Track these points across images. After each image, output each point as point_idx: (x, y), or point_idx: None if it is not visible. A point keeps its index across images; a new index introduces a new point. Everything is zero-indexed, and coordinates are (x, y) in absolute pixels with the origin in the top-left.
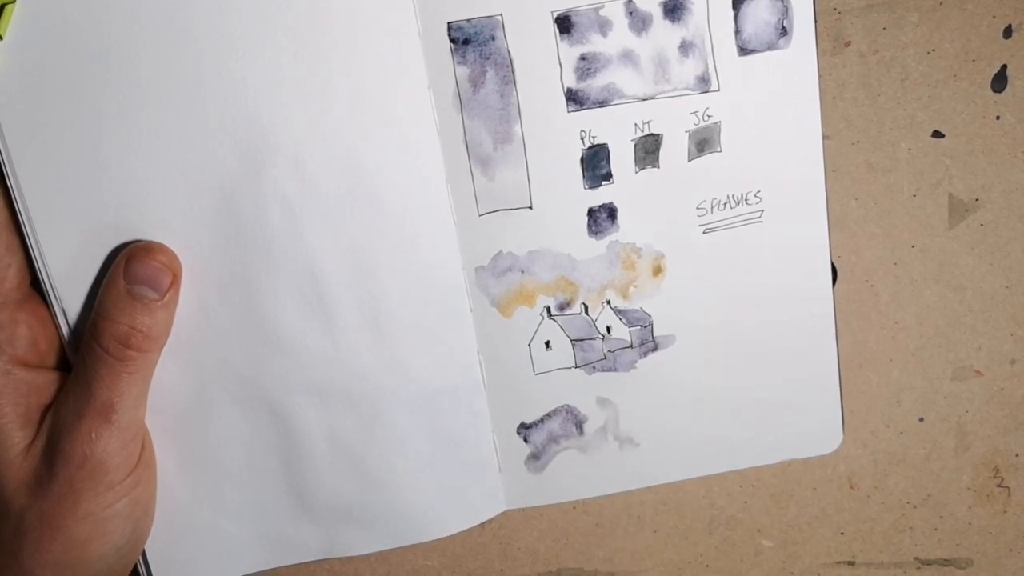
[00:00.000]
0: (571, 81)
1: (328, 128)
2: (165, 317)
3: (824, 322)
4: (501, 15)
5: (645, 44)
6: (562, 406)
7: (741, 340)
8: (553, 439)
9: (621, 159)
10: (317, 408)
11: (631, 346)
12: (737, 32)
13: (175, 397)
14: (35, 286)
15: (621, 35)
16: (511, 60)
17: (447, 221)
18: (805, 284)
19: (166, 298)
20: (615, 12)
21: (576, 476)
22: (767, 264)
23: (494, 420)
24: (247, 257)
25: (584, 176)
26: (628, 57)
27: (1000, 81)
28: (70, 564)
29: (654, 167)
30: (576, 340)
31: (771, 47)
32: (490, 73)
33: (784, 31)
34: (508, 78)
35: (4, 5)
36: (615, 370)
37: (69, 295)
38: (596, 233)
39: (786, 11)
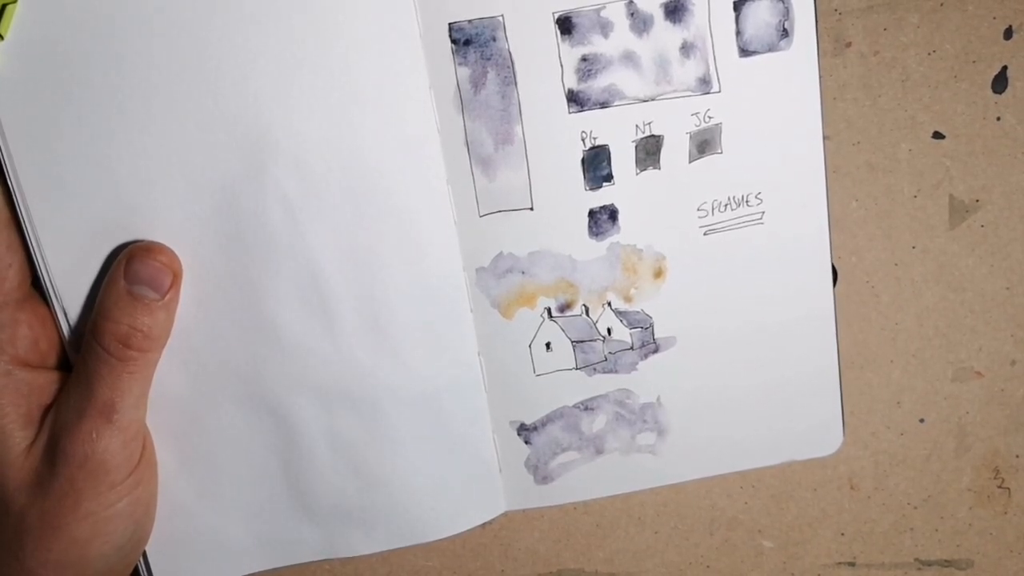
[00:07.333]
0: (572, 82)
1: (329, 128)
2: (166, 317)
3: (824, 323)
4: (502, 16)
5: (646, 45)
6: (563, 407)
7: (742, 342)
8: (554, 441)
9: (622, 160)
10: (317, 408)
11: (632, 348)
12: (738, 34)
13: (176, 397)
14: (36, 286)
15: (622, 36)
16: (512, 61)
17: (448, 222)
18: (805, 285)
19: (167, 298)
20: (616, 13)
21: (577, 477)
22: (768, 266)
23: (494, 421)
24: (248, 257)
25: (585, 177)
26: (629, 58)
27: (1000, 82)
28: (71, 563)
29: (655, 168)
30: (577, 342)
31: (772, 48)
32: (491, 74)
33: (785, 32)
34: (509, 79)
35: (5, 5)
36: (616, 372)
37: (70, 295)
38: (597, 234)
39: (787, 12)
